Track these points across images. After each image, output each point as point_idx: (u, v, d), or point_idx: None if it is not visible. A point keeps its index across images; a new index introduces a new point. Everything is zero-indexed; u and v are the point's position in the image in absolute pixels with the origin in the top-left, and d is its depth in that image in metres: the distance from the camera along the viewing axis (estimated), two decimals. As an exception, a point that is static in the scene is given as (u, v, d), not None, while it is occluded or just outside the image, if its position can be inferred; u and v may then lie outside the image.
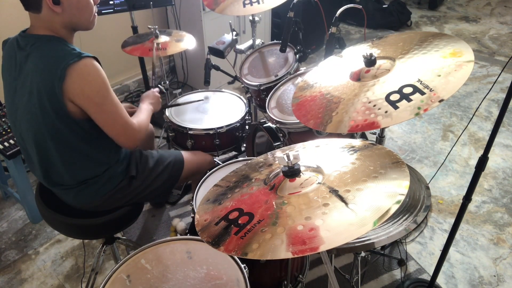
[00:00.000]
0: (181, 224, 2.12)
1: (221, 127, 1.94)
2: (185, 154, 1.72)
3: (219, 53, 2.08)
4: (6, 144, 1.94)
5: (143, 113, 1.54)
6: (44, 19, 1.23)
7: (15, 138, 1.97)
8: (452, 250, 2.00)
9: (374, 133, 1.37)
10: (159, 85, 2.05)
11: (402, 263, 1.93)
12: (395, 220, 1.27)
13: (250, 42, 2.24)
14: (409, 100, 0.97)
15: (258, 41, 2.23)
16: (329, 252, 1.28)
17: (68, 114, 1.25)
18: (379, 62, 1.15)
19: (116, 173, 1.46)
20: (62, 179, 1.39)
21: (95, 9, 1.32)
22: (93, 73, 1.23)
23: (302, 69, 1.96)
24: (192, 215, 1.59)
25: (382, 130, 1.32)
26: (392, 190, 0.78)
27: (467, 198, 1.40)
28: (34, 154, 1.35)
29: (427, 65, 1.05)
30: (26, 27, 1.30)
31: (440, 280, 1.85)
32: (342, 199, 0.80)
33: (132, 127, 1.36)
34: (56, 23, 1.25)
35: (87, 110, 1.26)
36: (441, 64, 1.02)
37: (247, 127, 2.09)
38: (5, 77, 1.34)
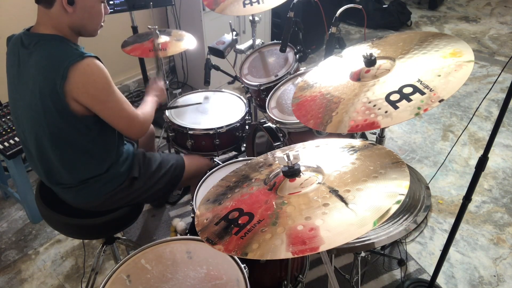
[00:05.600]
0: (181, 224, 2.12)
1: (221, 127, 1.94)
2: (186, 158, 1.73)
3: (219, 53, 2.08)
4: (6, 144, 1.94)
5: (148, 105, 1.57)
6: (52, 16, 1.23)
7: (16, 138, 1.97)
8: (452, 250, 2.00)
9: (374, 133, 1.37)
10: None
11: (402, 263, 1.93)
12: (395, 220, 1.27)
13: (250, 42, 2.24)
14: (409, 100, 0.97)
15: (258, 41, 2.23)
16: (329, 252, 1.27)
17: (70, 112, 1.25)
18: (379, 62, 1.15)
19: (118, 173, 1.46)
20: (62, 178, 1.39)
21: (103, 19, 1.34)
22: (96, 72, 1.23)
23: (302, 69, 1.96)
24: (192, 215, 1.59)
25: (382, 130, 1.32)
26: (392, 190, 0.78)
27: (467, 198, 1.40)
28: (35, 153, 1.36)
29: (427, 65, 1.05)
30: (26, 26, 1.30)
31: (440, 280, 1.85)
32: (342, 199, 0.80)
33: (137, 119, 1.39)
34: (63, 23, 1.25)
35: (92, 108, 1.27)
36: (441, 64, 1.02)
37: (247, 127, 2.09)
38: (9, 75, 1.35)
